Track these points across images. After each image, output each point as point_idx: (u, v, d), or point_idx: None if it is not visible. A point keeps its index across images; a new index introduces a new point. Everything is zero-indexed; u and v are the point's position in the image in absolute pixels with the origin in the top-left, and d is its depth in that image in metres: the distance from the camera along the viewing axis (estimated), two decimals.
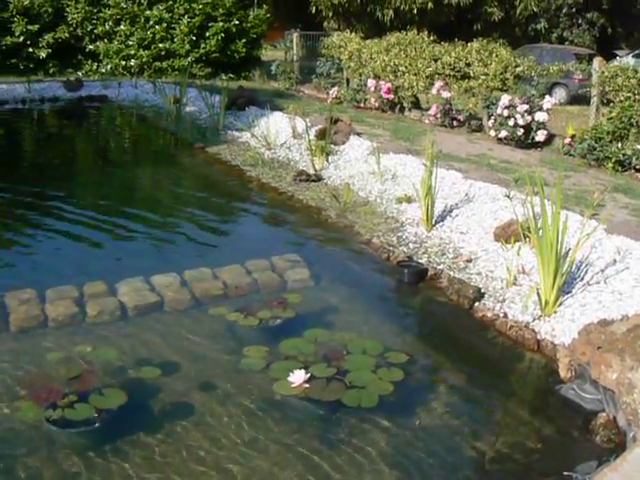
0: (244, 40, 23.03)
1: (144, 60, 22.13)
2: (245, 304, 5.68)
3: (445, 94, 13.88)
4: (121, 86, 19.03)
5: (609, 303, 5.59)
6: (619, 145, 10.45)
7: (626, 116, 10.60)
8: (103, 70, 22.49)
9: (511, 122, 11.94)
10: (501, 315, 5.75)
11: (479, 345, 5.57)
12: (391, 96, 15.70)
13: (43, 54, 21.81)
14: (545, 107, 11.98)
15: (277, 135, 11.95)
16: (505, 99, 12.14)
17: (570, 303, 5.71)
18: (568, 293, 5.83)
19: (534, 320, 5.64)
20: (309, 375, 4.51)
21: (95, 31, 22.53)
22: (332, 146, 10.91)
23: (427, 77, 16.42)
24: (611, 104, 12.07)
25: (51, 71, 21.99)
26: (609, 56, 23.36)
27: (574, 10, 31.29)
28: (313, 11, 28.86)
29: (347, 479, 3.84)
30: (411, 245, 7.32)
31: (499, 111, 12.21)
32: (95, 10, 22.42)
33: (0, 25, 21.12)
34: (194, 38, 22.14)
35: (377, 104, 15.99)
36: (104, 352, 4.91)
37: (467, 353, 5.52)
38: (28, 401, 4.25)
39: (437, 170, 7.60)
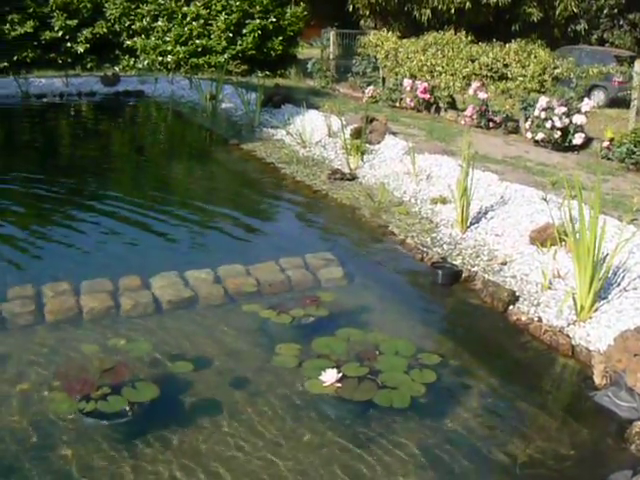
0: (281, 38, 23.06)
1: (181, 56, 22.27)
2: (278, 301, 5.68)
3: (482, 95, 13.77)
4: (157, 82, 19.17)
5: None
6: None
7: None
8: (140, 66, 22.68)
9: (548, 124, 11.81)
10: (535, 319, 5.69)
11: (512, 349, 5.52)
12: (427, 96, 15.62)
13: (81, 49, 22.05)
14: (583, 110, 11.83)
15: (312, 133, 11.95)
16: (543, 101, 12.01)
17: (606, 309, 5.63)
18: (604, 299, 5.75)
19: (569, 325, 5.58)
20: (341, 374, 4.50)
21: (133, 27, 22.72)
22: (367, 145, 10.88)
23: (464, 77, 16.37)
24: None
25: (89, 66, 22.23)
26: None
27: (615, 11, 30.78)
28: (350, 9, 28.80)
29: (377, 479, 3.83)
30: (445, 246, 7.28)
31: (536, 113, 12.07)
32: (133, 6, 22.62)
33: (40, 20, 21.39)
34: (231, 35, 22.22)
35: (413, 104, 15.92)
36: (137, 345, 4.95)
37: (500, 356, 5.47)
38: (62, 392, 4.29)
39: (473, 171, 7.55)
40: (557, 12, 28.58)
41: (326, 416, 4.36)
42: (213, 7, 22.35)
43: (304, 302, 5.58)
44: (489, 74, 16.35)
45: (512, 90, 15.33)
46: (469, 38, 18.66)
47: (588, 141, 11.98)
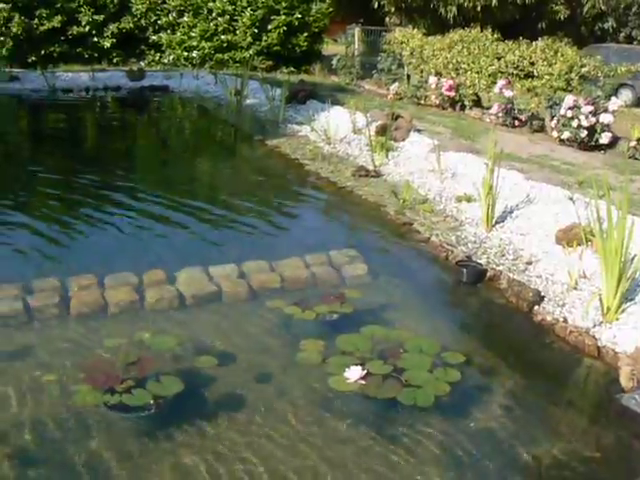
0: (306, 34, 23.09)
1: (206, 51, 22.38)
2: (302, 298, 5.67)
3: (507, 93, 13.68)
4: (182, 77, 19.25)
5: None
6: None
7: None
8: (165, 61, 22.83)
9: (574, 123, 11.71)
10: (561, 320, 5.64)
11: (537, 349, 5.47)
12: (452, 93, 15.56)
13: (107, 44, 22.25)
14: (610, 109, 11.71)
15: (337, 130, 11.94)
16: (569, 100, 11.91)
17: (633, 310, 5.57)
18: (631, 300, 5.68)
19: (595, 326, 5.52)
20: (365, 371, 4.49)
21: (159, 22, 22.88)
22: (392, 142, 10.86)
23: (489, 75, 16.27)
24: None
25: (115, 61, 22.43)
26: None
27: None
28: (375, 6, 28.75)
29: (399, 478, 3.81)
30: (470, 245, 7.24)
31: (562, 112, 11.98)
32: (159, 1, 22.75)
33: (67, 15, 21.58)
34: (256, 31, 22.28)
35: (437, 101, 15.87)
36: (162, 339, 4.96)
37: (525, 356, 5.42)
38: (87, 385, 4.31)
39: (499, 170, 7.50)
40: (585, 10, 28.35)
41: (350, 413, 4.35)
42: (239, 3, 22.43)
43: (328, 299, 5.57)
44: (515, 72, 16.24)
45: (538, 88, 15.20)
46: (495, 36, 18.53)
47: (615, 140, 11.86)
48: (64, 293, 5.59)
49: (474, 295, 6.34)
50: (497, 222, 7.65)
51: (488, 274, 6.47)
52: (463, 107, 15.67)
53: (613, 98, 12.34)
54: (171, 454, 3.87)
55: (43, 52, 21.42)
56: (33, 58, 21.26)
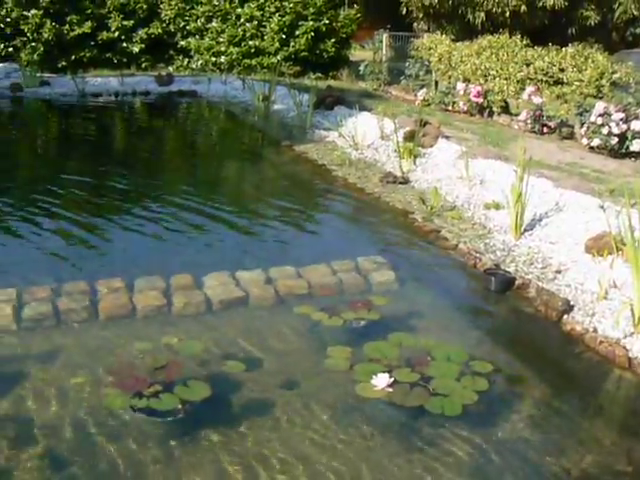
0: (333, 40, 23.10)
1: (234, 57, 22.46)
2: (329, 304, 5.67)
3: (536, 100, 13.57)
4: (211, 82, 19.34)
5: None
6: None
7: None
8: (194, 66, 22.97)
9: (605, 130, 11.58)
10: (591, 329, 5.57)
11: (566, 359, 5.42)
12: (480, 100, 15.46)
13: (136, 49, 22.44)
14: None
15: (364, 136, 11.92)
16: (600, 106, 11.78)
17: None
18: None
19: (626, 337, 5.45)
20: (393, 379, 4.47)
21: (187, 27, 23.02)
22: (420, 149, 10.82)
23: (518, 82, 16.16)
24: None
25: (143, 66, 22.62)
26: None
27: None
28: (403, 12, 28.69)
29: None
30: (498, 253, 7.18)
31: (592, 119, 11.85)
32: (188, 7, 22.92)
33: (97, 21, 21.81)
34: (284, 36, 22.33)
35: (465, 107, 15.78)
36: (190, 344, 4.98)
37: (554, 366, 5.37)
38: (115, 388, 4.34)
39: (528, 177, 7.44)
40: (616, 15, 28.03)
41: (376, 421, 4.33)
42: (267, 9, 22.50)
43: (355, 305, 5.55)
44: (544, 78, 16.12)
45: (567, 95, 15.08)
46: (524, 42, 18.41)
47: None
48: (93, 296, 5.64)
49: (502, 303, 6.29)
50: (526, 230, 7.59)
51: (517, 282, 6.41)
52: (491, 114, 15.57)
53: None
54: (198, 458, 3.88)
55: (73, 57, 21.66)
56: (63, 63, 21.52)
